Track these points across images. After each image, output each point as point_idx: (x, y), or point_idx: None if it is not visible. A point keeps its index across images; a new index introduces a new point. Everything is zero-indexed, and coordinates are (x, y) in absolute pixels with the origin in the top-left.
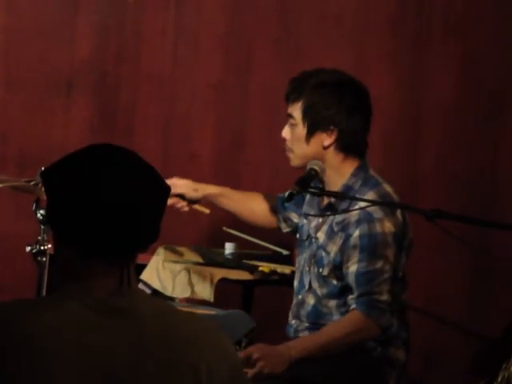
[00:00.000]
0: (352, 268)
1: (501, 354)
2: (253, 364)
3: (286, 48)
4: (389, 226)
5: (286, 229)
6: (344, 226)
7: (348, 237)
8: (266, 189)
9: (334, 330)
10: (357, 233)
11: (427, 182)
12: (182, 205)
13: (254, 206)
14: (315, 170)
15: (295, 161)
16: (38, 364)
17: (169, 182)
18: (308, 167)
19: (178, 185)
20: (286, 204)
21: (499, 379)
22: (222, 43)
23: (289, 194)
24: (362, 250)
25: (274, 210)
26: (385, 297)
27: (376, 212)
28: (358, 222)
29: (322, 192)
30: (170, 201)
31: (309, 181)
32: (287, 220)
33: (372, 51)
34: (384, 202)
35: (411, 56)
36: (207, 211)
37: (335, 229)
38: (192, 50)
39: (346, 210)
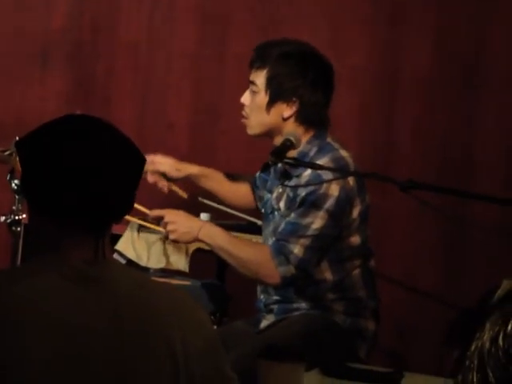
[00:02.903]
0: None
1: (475, 324)
2: (163, 225)
3: (261, 18)
4: (334, 189)
5: (261, 208)
6: (296, 190)
7: (296, 196)
8: (242, 158)
9: (242, 248)
10: (303, 193)
11: (403, 152)
12: (163, 184)
13: (235, 187)
14: (290, 141)
15: (252, 129)
16: (11, 335)
17: (152, 158)
18: (284, 137)
19: (161, 162)
20: (257, 183)
21: (472, 348)
22: (197, 12)
23: (264, 165)
24: (300, 205)
25: (252, 190)
26: (297, 250)
27: (325, 174)
28: (307, 184)
29: (298, 162)
30: (151, 178)
31: (284, 151)
32: (261, 199)
33: (348, 22)
34: (357, 173)
35: (387, 27)
36: (185, 196)
37: (290, 195)
38: (168, 19)
39: (310, 184)
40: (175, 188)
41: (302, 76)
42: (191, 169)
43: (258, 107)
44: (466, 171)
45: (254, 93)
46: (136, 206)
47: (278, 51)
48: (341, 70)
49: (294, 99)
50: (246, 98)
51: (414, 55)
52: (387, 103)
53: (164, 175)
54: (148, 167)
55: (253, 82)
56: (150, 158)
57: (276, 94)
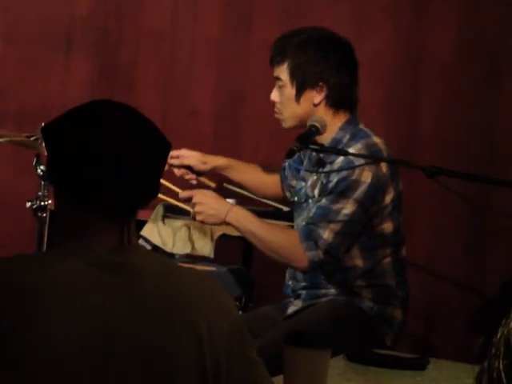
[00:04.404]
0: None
1: (501, 311)
2: (191, 206)
3: (286, 3)
4: (366, 175)
5: (291, 198)
6: (328, 175)
7: (328, 183)
8: (267, 145)
9: (271, 232)
10: (336, 179)
11: (427, 140)
12: (191, 177)
13: (262, 177)
14: (316, 127)
15: (287, 122)
16: (37, 320)
17: (178, 153)
18: (309, 123)
19: (187, 156)
20: (286, 173)
21: (498, 335)
22: None
23: (289, 151)
24: (332, 191)
25: (280, 180)
26: (326, 235)
27: (358, 160)
28: (340, 169)
29: (323, 149)
30: (178, 172)
31: (310, 137)
32: (290, 188)
33: (371, 8)
34: (385, 159)
35: (411, 13)
36: (213, 185)
37: (324, 182)
38: (192, 6)
39: (340, 169)
40: (203, 179)
41: (324, 60)
42: (217, 161)
43: (287, 100)
44: (490, 158)
45: (281, 88)
46: (168, 185)
47: (296, 41)
48: (365, 56)
49: (321, 84)
50: (275, 95)
51: (438, 41)
52: (411, 90)
53: (191, 168)
54: (174, 162)
55: (277, 78)
56: (175, 152)
57: (302, 83)
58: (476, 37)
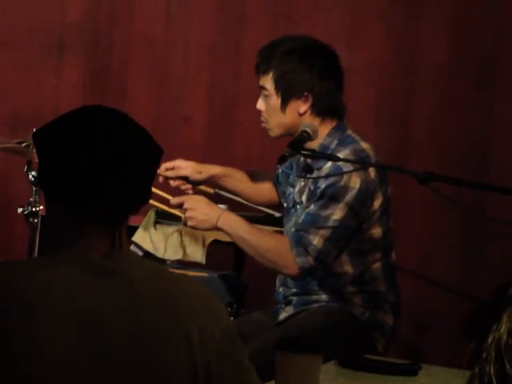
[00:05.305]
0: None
1: (492, 316)
2: (182, 211)
3: (279, 9)
4: (355, 181)
5: (285, 203)
6: (316, 182)
7: (316, 189)
8: (259, 150)
9: (261, 237)
10: (324, 185)
11: (420, 145)
12: (187, 187)
13: (257, 184)
14: (307, 132)
15: (274, 131)
16: (30, 325)
17: (173, 164)
18: (300, 129)
19: (183, 167)
20: (280, 179)
21: (489, 340)
22: (214, 3)
23: (281, 157)
24: (320, 197)
25: (274, 186)
26: (316, 241)
27: (346, 166)
28: (328, 175)
29: (316, 154)
30: (174, 183)
31: (301, 143)
32: (283, 194)
33: (364, 13)
34: (377, 165)
35: (403, 18)
36: (211, 191)
37: (312, 188)
38: (184, 11)
39: (329, 174)
40: (201, 187)
41: (309, 69)
42: (213, 169)
43: (273, 110)
44: (484, 163)
45: (266, 97)
46: (159, 192)
47: (280, 50)
48: (357, 62)
49: (306, 93)
50: (260, 104)
51: (431, 45)
52: (404, 94)
53: (187, 179)
54: (170, 174)
55: (263, 87)
56: (170, 164)
57: (287, 93)
58: (468, 41)
